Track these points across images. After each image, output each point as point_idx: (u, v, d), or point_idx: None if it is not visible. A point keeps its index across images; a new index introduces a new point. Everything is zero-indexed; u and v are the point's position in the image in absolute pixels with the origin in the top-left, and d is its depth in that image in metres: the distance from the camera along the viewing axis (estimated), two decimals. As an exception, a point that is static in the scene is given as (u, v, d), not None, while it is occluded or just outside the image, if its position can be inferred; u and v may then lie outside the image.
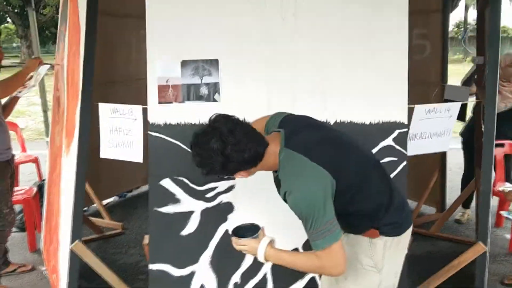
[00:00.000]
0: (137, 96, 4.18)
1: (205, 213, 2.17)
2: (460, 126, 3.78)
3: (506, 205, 3.47)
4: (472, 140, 3.24)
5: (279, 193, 1.64)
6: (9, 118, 3.09)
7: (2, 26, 26.43)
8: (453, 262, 2.48)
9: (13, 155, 2.88)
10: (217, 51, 2.11)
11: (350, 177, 1.52)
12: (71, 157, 2.46)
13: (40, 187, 3.64)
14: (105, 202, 4.16)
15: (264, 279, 2.20)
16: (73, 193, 2.33)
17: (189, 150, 2.05)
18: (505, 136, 3.51)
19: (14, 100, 2.97)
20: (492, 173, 2.36)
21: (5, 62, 3.12)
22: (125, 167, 3.84)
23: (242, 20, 2.10)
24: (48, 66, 2.89)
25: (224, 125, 1.47)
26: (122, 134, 2.32)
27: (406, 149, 2.16)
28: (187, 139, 2.10)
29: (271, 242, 1.58)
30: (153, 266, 2.18)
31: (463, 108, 2.75)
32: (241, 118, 1.55)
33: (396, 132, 2.14)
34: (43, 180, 3.72)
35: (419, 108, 2.21)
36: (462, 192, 3.56)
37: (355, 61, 2.13)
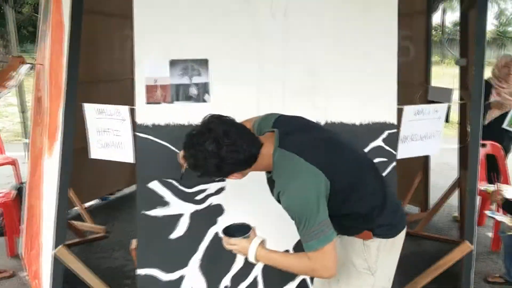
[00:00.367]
0: (121, 96, 4.13)
1: (194, 215, 2.13)
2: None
3: (487, 204, 3.54)
4: None
5: (272, 193, 1.61)
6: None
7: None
8: (439, 262, 2.50)
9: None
10: (207, 51, 2.08)
11: (345, 177, 1.51)
12: (53, 159, 2.39)
13: (19, 190, 3.52)
14: (86, 205, 4.06)
15: (254, 282, 2.17)
16: (56, 196, 2.26)
17: (178, 151, 2.06)
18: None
19: None
20: (478, 173, 2.39)
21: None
22: (107, 169, 3.79)
23: (232, 19, 2.08)
24: (29, 65, 2.80)
25: (219, 126, 1.44)
26: (111, 135, 2.26)
27: (395, 150, 2.17)
28: (176, 140, 2.09)
29: (263, 242, 1.56)
30: (141, 271, 2.13)
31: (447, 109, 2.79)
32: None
33: (386, 133, 2.15)
34: (22, 183, 3.60)
35: (408, 109, 2.22)
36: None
37: (345, 61, 2.12)
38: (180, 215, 2.12)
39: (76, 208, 3.79)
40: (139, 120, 2.09)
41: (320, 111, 2.10)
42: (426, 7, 3.57)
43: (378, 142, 2.14)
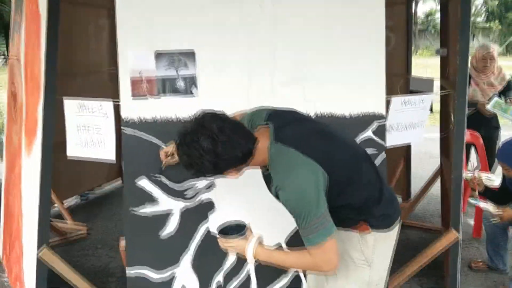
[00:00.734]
0: (97, 89, 4.01)
1: (185, 212, 2.08)
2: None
3: (468, 192, 3.61)
4: None
5: (269, 189, 1.59)
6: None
7: None
8: (426, 250, 2.54)
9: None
10: (193, 42, 2.01)
11: (342, 169, 1.49)
12: (33, 157, 2.29)
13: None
14: (66, 203, 3.94)
15: (247, 278, 2.14)
16: (38, 195, 2.16)
17: (165, 146, 2.00)
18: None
19: None
20: (463, 161, 2.43)
21: None
22: (86, 166, 3.64)
23: (219, 9, 2.01)
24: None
25: (213, 122, 1.40)
26: (92, 132, 2.17)
27: (385, 141, 2.17)
28: (163, 135, 2.03)
29: (260, 240, 1.54)
30: (130, 270, 2.07)
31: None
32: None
33: (375, 123, 2.14)
34: (-3, 181, 3.45)
35: (395, 100, 2.23)
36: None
37: (334, 52, 2.10)
38: (170, 212, 2.07)
39: (55, 206, 3.67)
40: (124, 115, 2.01)
41: (310, 103, 2.07)
42: (406, -2, 3.59)
43: (368, 133, 2.14)
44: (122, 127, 2.01)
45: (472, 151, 3.75)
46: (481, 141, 3.52)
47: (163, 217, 2.07)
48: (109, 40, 4.20)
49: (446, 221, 3.27)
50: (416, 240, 3.40)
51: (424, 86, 3.41)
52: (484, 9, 25.30)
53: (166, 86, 2.01)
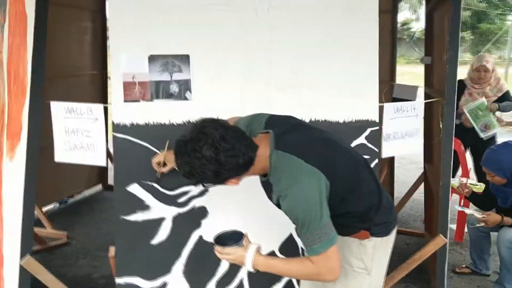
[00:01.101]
0: (79, 92, 3.92)
1: (177, 219, 2.03)
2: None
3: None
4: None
5: (269, 197, 1.56)
6: None
7: None
8: (415, 255, 2.56)
9: None
10: (188, 46, 1.98)
11: (343, 177, 1.48)
12: (16, 162, 2.19)
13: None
14: (45, 209, 3.80)
15: (240, 285, 2.11)
16: (22, 202, 2.08)
17: (158, 152, 1.95)
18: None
19: None
20: (451, 168, 2.47)
21: None
22: (65, 171, 3.56)
23: (215, 13, 1.99)
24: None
25: (215, 130, 1.36)
26: (80, 136, 2.10)
27: (377, 147, 2.19)
28: (156, 140, 1.98)
29: (258, 249, 1.51)
30: (120, 280, 2.01)
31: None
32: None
33: (368, 130, 2.16)
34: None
35: (388, 107, 2.25)
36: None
37: (329, 59, 2.11)
38: (162, 219, 2.02)
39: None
40: (116, 119, 1.96)
41: (305, 109, 2.07)
42: (391, 7, 3.65)
43: (361, 139, 2.15)
44: (113, 132, 1.95)
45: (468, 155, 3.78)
46: (462, 147, 3.60)
47: (155, 224, 2.02)
48: (91, 43, 4.11)
49: (430, 225, 3.34)
50: (400, 244, 3.44)
51: (408, 93, 3.46)
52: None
53: (160, 90, 1.97)
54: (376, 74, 2.16)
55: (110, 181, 4.56)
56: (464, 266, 3.04)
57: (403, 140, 2.28)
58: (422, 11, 19.35)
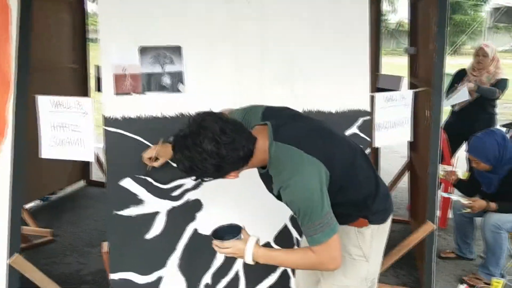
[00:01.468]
0: (59, 86, 3.81)
1: (171, 213, 2.01)
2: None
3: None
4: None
5: (268, 189, 1.56)
6: None
7: None
8: (404, 242, 2.61)
9: None
10: (180, 37, 1.95)
11: (341, 167, 1.49)
12: (1, 159, 2.13)
13: None
14: (27, 206, 3.70)
15: (236, 277, 2.11)
16: (9, 200, 2.02)
17: (151, 145, 1.92)
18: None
19: None
20: (438, 156, 2.52)
21: None
22: (48, 167, 3.46)
23: (206, 4, 1.96)
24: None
25: (214, 123, 1.34)
26: (68, 131, 2.05)
27: (369, 137, 2.21)
28: (148, 133, 1.96)
29: (258, 242, 1.51)
30: (114, 276, 1.98)
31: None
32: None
33: (360, 120, 2.17)
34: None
35: (379, 96, 2.27)
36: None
37: (321, 49, 2.11)
38: (156, 213, 2.00)
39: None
40: (107, 113, 1.91)
41: (298, 99, 2.07)
42: (375, -3, 3.68)
43: (354, 129, 2.17)
44: (105, 126, 1.91)
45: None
46: (445, 136, 3.67)
47: (149, 219, 2.00)
48: (70, 36, 4.00)
49: (415, 213, 3.41)
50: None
51: (392, 83, 3.50)
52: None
53: (152, 83, 1.94)
54: (367, 65, 2.18)
55: (94, 176, 4.48)
56: (448, 251, 3.12)
57: (394, 129, 2.31)
58: (399, 3, 19.57)
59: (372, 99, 2.24)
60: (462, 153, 3.91)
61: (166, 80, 1.95)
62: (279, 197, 1.46)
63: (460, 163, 3.84)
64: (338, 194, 1.49)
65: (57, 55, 3.91)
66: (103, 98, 1.91)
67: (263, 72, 2.05)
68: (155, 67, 1.93)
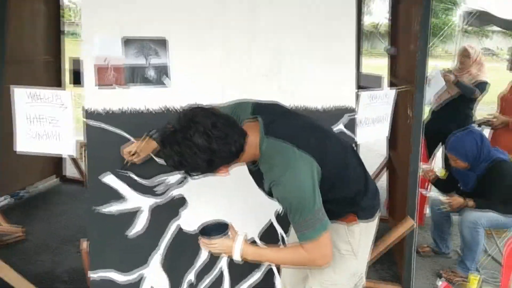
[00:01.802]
0: (32, 79, 3.66)
1: (154, 209, 1.96)
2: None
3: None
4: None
5: (258, 185, 1.54)
6: None
7: None
8: (384, 237, 2.64)
9: None
10: (165, 29, 1.89)
11: (333, 163, 1.49)
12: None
13: None
14: (-2, 203, 3.56)
15: (220, 275, 2.08)
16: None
17: (134, 140, 1.86)
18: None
19: None
20: (420, 154, 2.55)
21: None
22: (17, 162, 3.33)
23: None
24: None
25: (205, 117, 1.31)
26: (45, 124, 1.96)
27: (354, 133, 2.22)
28: (131, 127, 1.89)
29: (245, 238, 1.49)
30: (94, 274, 1.91)
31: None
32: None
33: (346, 117, 2.18)
34: None
35: (364, 94, 2.28)
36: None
37: (309, 47, 2.09)
38: (139, 210, 1.94)
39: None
40: (88, 105, 1.84)
41: (285, 96, 2.04)
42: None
43: (339, 126, 2.17)
44: (86, 119, 1.83)
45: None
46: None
47: (131, 215, 1.94)
48: (44, 27, 3.86)
49: (393, 211, 3.46)
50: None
51: (373, 82, 3.53)
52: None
53: (135, 75, 1.88)
54: (353, 62, 2.18)
55: (67, 172, 4.34)
56: (425, 246, 3.18)
57: (373, 126, 2.33)
58: (374, 5, 19.86)
59: (357, 96, 2.25)
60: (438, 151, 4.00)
61: (151, 73, 1.89)
62: (270, 193, 1.44)
63: (436, 161, 3.93)
64: (329, 191, 1.48)
65: (31, 47, 3.77)
66: (85, 90, 1.83)
67: (250, 68, 2.02)
68: (140, 59, 1.87)
